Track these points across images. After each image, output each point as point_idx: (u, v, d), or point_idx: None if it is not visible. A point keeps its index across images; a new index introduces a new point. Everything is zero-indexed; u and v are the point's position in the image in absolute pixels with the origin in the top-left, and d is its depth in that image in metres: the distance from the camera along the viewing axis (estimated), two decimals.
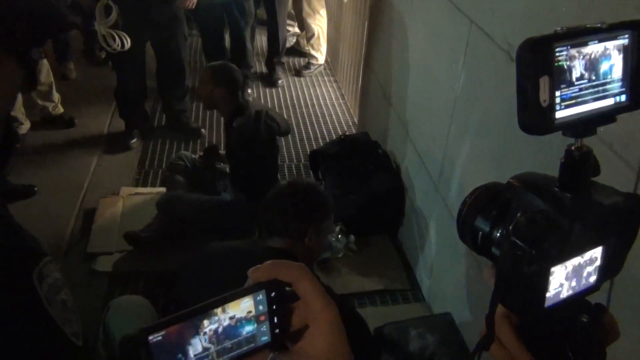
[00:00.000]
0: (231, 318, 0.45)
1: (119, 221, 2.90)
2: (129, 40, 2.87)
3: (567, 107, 0.46)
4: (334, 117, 4.20)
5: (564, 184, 0.48)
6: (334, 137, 3.68)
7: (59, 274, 0.75)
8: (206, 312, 0.44)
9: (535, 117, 0.45)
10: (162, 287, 2.46)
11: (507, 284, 0.48)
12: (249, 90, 4.38)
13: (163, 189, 3.05)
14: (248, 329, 0.46)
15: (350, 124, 4.09)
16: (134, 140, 3.62)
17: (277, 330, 0.47)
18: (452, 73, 2.12)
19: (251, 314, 0.46)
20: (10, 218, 0.75)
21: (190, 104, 4.01)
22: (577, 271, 0.49)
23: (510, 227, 0.46)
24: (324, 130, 4.01)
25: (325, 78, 4.81)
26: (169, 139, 3.75)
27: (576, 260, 0.48)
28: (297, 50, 5.13)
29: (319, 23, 4.71)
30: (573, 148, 0.47)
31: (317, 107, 4.32)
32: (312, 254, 1.77)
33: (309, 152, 3.35)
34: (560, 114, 0.45)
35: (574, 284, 0.49)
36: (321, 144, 3.69)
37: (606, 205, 0.48)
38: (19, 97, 3.46)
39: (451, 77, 2.14)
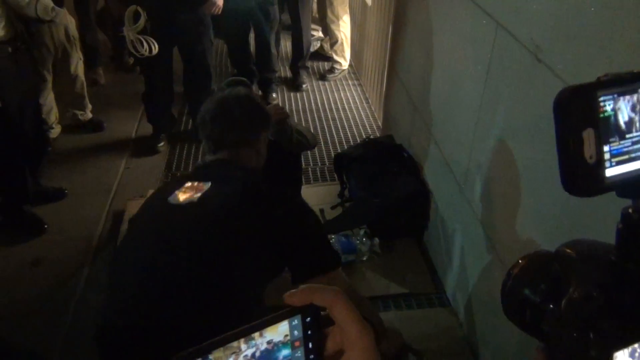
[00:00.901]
0: (269, 342, 0.44)
1: None
2: (156, 45, 2.93)
3: (618, 163, 0.40)
4: (358, 120, 4.21)
5: (624, 252, 0.41)
6: (358, 141, 3.69)
7: None
8: (245, 336, 0.43)
9: (580, 176, 0.39)
10: None
11: None
12: (274, 95, 4.42)
13: None
14: (284, 353, 0.45)
15: (375, 127, 4.09)
16: (161, 144, 3.69)
17: (312, 356, 0.47)
18: (478, 76, 2.11)
19: (287, 339, 0.45)
20: None
21: None
22: None
23: (563, 304, 0.40)
24: (349, 134, 4.02)
25: (350, 82, 4.82)
26: (196, 142, 3.79)
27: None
28: (321, 55, 5.16)
29: (343, 29, 4.73)
30: (631, 210, 0.41)
31: (341, 111, 4.33)
32: (259, 163, 1.82)
33: (333, 155, 3.36)
34: (611, 172, 0.40)
35: None
36: (345, 147, 3.70)
37: None
38: (52, 102, 3.57)
39: (477, 79, 2.13)
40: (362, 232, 2.74)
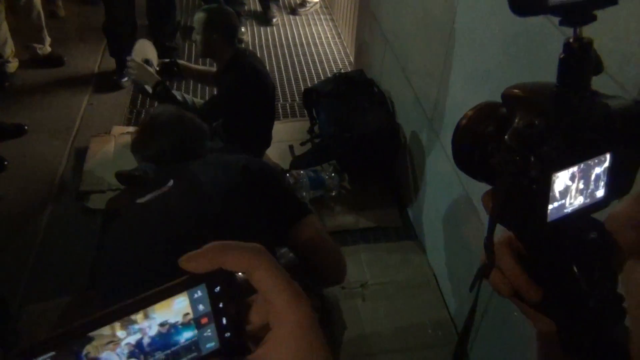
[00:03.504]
0: (162, 325, 0.35)
1: (112, 160, 2.88)
2: None
3: None
4: (329, 56, 4.11)
5: (564, 81, 0.43)
6: (329, 76, 3.61)
7: None
8: (118, 319, 0.33)
9: None
10: None
11: (505, 198, 0.42)
12: (242, 29, 4.27)
13: None
14: (187, 335, 0.36)
15: (347, 62, 4.01)
16: (125, 79, 3.55)
17: (227, 334, 0.37)
18: (449, 6, 2.05)
19: (189, 317, 0.36)
20: None
21: (182, 42, 3.92)
22: (583, 182, 0.43)
23: (507, 134, 0.42)
24: (319, 69, 3.93)
25: (322, 16, 4.67)
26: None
27: (581, 170, 0.43)
28: None
29: None
30: (571, 40, 0.42)
31: (312, 46, 4.22)
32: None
33: (303, 91, 3.29)
34: None
35: (580, 198, 0.44)
36: (316, 83, 3.62)
37: (613, 107, 0.43)
38: (7, 33, 3.38)
39: (447, 10, 2.07)
40: (331, 167, 2.72)
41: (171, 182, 1.44)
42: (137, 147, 1.69)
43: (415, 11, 2.49)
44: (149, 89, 2.45)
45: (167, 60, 2.68)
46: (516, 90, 0.45)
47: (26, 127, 3.10)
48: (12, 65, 3.52)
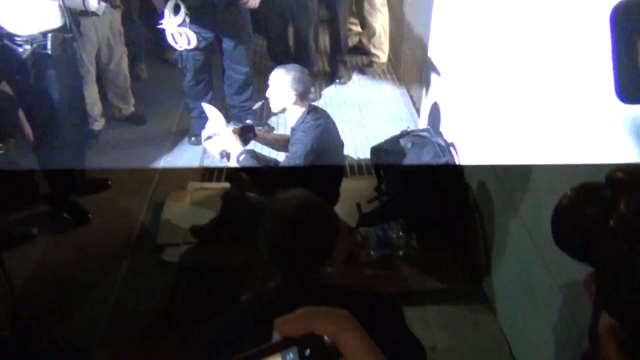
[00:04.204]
0: None
1: (187, 214, 3.01)
2: (194, 38, 2.97)
3: None
4: (396, 114, 4.17)
5: None
6: (396, 134, 3.66)
7: None
8: None
9: (635, 85, 0.39)
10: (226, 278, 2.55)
11: (611, 286, 0.41)
12: (312, 89, 4.43)
13: (228, 185, 3.13)
14: None
15: (413, 121, 4.05)
16: (198, 137, 3.73)
17: None
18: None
19: None
20: None
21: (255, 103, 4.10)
22: None
23: (613, 220, 0.40)
24: (386, 128, 3.98)
25: (388, 76, 4.78)
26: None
27: None
28: (359, 49, 5.12)
29: (381, 22, 4.68)
30: None
31: (379, 105, 4.30)
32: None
33: (370, 149, 3.34)
34: None
35: None
36: (383, 141, 3.67)
37: None
38: (96, 95, 3.66)
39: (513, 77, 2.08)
40: (398, 226, 2.71)
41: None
42: (272, 248, 1.41)
43: (484, 61, 2.51)
44: (232, 156, 2.62)
45: (248, 123, 2.84)
46: (621, 174, 0.44)
47: (109, 182, 3.30)
48: (99, 124, 3.79)
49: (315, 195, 1.45)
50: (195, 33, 3.02)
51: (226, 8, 3.33)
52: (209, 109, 2.73)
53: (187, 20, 2.95)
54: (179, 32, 2.91)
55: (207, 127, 2.71)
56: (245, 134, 2.76)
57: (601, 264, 0.42)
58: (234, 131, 2.70)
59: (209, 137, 2.71)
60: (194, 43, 2.95)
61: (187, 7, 2.89)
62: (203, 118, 3.13)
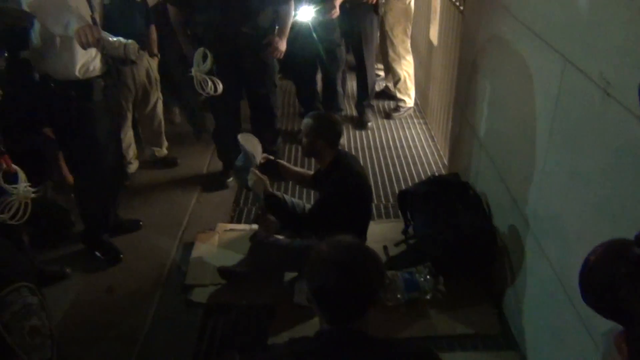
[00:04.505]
0: None
1: (215, 255, 3.05)
2: (220, 85, 3.07)
3: None
4: (423, 158, 4.20)
5: None
6: (423, 178, 3.68)
7: (35, 299, 0.75)
8: None
9: None
10: (253, 320, 2.56)
11: None
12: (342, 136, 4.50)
13: (256, 226, 3.17)
14: None
15: (440, 165, 4.07)
16: (230, 179, 3.81)
17: None
18: (546, 112, 2.09)
19: None
20: None
21: (283, 146, 4.19)
22: None
23: None
24: (413, 172, 4.01)
25: (415, 120, 4.84)
26: None
27: None
28: (386, 94, 5.22)
29: (405, 68, 4.78)
30: None
31: (406, 149, 4.34)
32: None
33: (397, 193, 3.36)
34: None
35: None
36: (410, 184, 3.69)
37: None
38: (131, 138, 3.80)
39: (545, 116, 2.10)
40: (426, 269, 2.70)
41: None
42: (318, 292, 1.39)
43: (511, 114, 2.53)
44: (260, 195, 2.72)
45: (271, 158, 2.91)
46: None
47: (141, 223, 3.38)
48: (133, 167, 3.92)
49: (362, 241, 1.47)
50: (222, 80, 3.11)
51: (251, 58, 3.43)
52: (245, 139, 2.82)
53: (214, 68, 3.06)
54: (207, 79, 3.02)
55: (239, 158, 2.81)
56: (270, 169, 2.85)
57: (631, 324, 0.41)
58: (261, 161, 2.81)
59: (240, 169, 2.80)
60: (220, 90, 3.05)
61: (214, 56, 3.00)
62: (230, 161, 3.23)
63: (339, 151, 2.69)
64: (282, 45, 3.50)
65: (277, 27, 3.51)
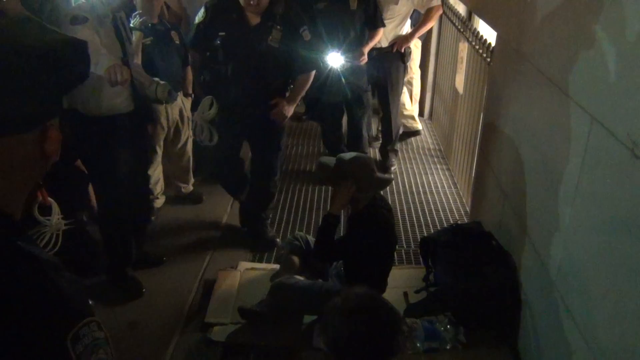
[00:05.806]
0: None
1: (236, 294, 3.07)
2: (216, 137, 3.11)
3: None
4: (445, 205, 4.21)
5: None
6: (445, 225, 3.69)
7: (102, 334, 0.79)
8: None
9: None
10: None
11: None
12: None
13: (277, 266, 3.20)
14: None
15: (462, 212, 4.07)
16: None
17: None
18: (572, 168, 2.10)
19: None
20: (56, 279, 0.78)
21: (301, 186, 4.24)
22: None
23: None
24: (435, 218, 4.02)
25: (438, 166, 4.87)
26: (285, 219, 3.95)
27: None
28: (407, 133, 5.34)
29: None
30: None
31: (429, 195, 4.36)
32: None
33: (419, 239, 3.37)
34: None
35: None
36: (432, 231, 3.69)
37: None
38: (160, 174, 3.89)
39: (571, 172, 2.11)
40: (446, 319, 2.68)
41: None
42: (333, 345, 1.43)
43: (536, 168, 2.54)
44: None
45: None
46: None
47: (164, 258, 3.43)
48: (160, 201, 4.00)
49: (378, 293, 1.49)
50: (224, 131, 3.10)
51: (255, 119, 3.29)
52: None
53: (217, 119, 3.08)
54: (204, 127, 3.06)
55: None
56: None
57: None
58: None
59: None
60: (215, 141, 3.07)
61: (220, 107, 3.05)
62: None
63: (368, 198, 2.71)
64: (289, 111, 3.27)
65: (288, 92, 3.35)
